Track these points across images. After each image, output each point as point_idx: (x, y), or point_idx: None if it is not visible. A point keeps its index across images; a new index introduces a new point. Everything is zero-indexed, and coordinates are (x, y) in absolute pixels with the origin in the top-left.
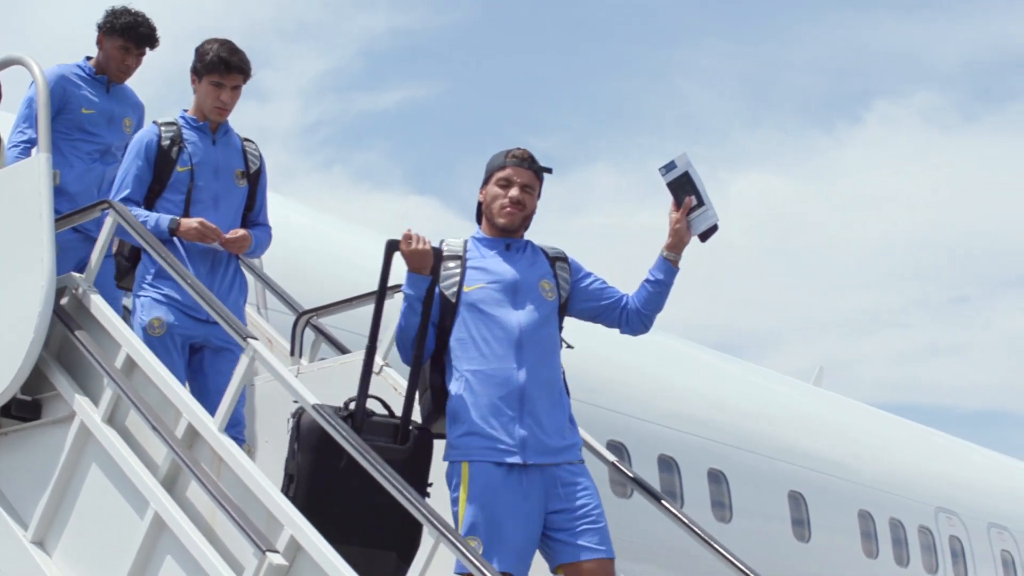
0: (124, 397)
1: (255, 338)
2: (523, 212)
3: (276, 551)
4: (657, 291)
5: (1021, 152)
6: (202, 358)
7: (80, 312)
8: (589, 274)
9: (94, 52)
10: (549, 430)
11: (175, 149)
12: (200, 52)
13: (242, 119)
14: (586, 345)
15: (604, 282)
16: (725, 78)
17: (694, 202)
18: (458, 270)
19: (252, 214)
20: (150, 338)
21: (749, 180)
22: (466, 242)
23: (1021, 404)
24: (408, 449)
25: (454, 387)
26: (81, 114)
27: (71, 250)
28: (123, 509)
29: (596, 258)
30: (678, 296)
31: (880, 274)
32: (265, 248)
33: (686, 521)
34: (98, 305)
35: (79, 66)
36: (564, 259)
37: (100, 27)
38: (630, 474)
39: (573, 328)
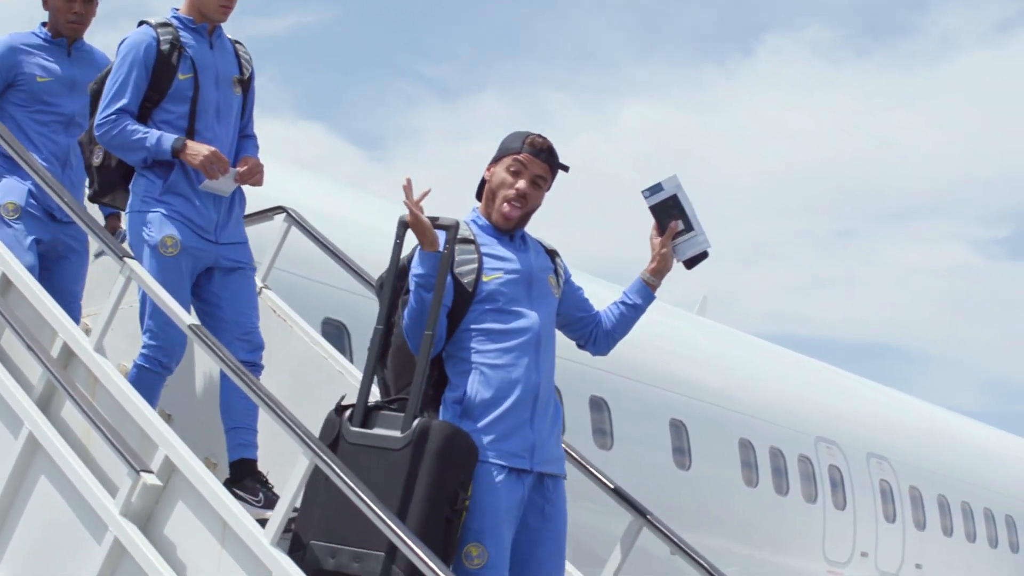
0: None
1: (132, 256)
2: (524, 209)
3: (150, 471)
4: (631, 315)
5: (910, 87)
6: (211, 280)
7: None
8: (571, 278)
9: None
10: (552, 437)
11: (175, 54)
12: None
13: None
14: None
15: (583, 290)
16: (617, 7)
17: (680, 227)
18: (475, 256)
19: (243, 123)
20: (161, 258)
21: (638, 111)
22: (468, 224)
23: (902, 337)
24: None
25: (465, 380)
26: (36, 83)
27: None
28: None
29: None
30: (565, 226)
31: (766, 207)
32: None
33: (566, 448)
34: None
35: (34, 33)
36: (558, 255)
37: None
38: None
39: None
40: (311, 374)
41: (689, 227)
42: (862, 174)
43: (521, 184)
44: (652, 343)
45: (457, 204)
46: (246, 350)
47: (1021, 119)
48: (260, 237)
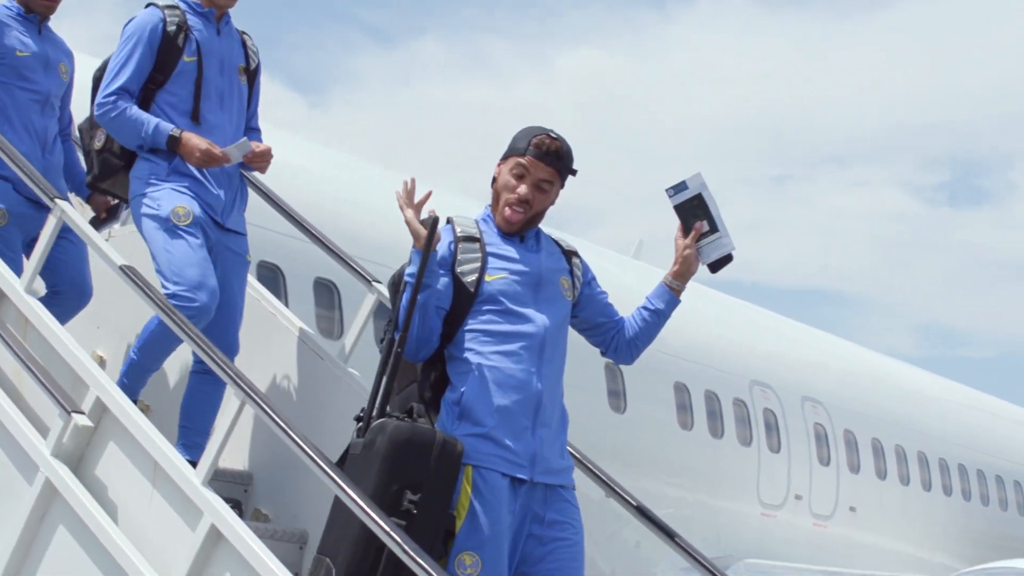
0: None
1: (65, 199)
2: (528, 213)
3: (82, 412)
4: (655, 321)
5: (848, 33)
6: (216, 263)
7: None
8: (596, 282)
9: None
10: (555, 447)
11: (181, 36)
12: None
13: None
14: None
15: (607, 295)
16: None
17: (705, 228)
18: (478, 255)
19: (248, 114)
20: (174, 228)
21: (577, 56)
22: (477, 222)
23: (839, 282)
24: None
25: (465, 381)
26: (16, 57)
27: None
28: None
29: (423, 132)
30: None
31: (703, 151)
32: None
33: None
34: None
35: (6, 6)
36: (578, 256)
37: None
38: None
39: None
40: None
41: (714, 228)
42: (799, 119)
43: (523, 189)
44: None
45: (399, 149)
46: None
47: (959, 65)
48: None
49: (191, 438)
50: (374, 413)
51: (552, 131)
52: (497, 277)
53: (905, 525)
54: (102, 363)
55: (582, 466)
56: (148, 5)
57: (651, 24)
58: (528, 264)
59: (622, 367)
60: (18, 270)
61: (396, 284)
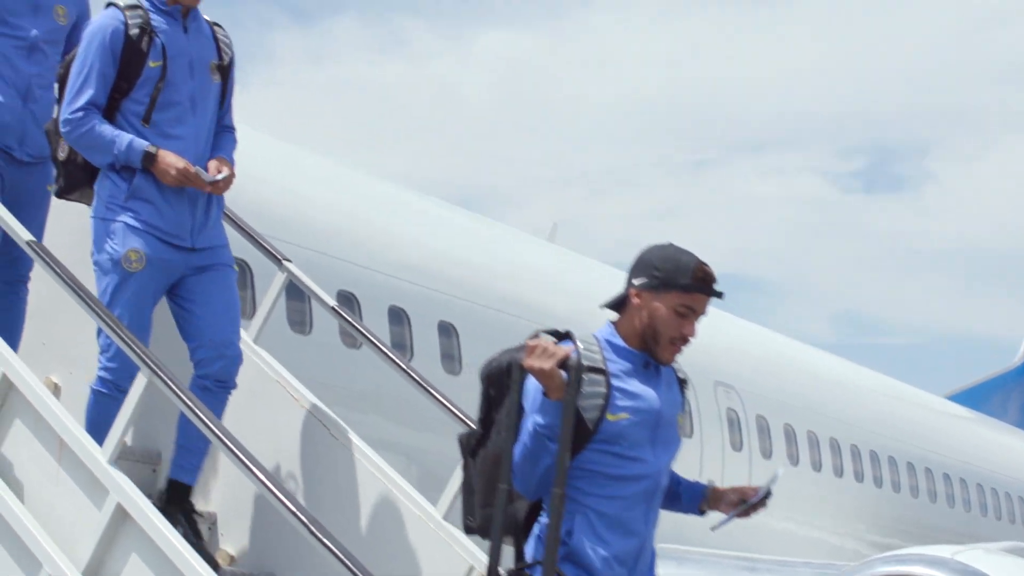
0: None
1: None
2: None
3: None
4: (667, 504)
5: (765, 17)
6: (183, 285)
7: None
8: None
9: None
10: None
11: (145, 39)
12: None
13: None
14: (313, 192)
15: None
16: None
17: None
18: (602, 390)
19: (221, 113)
20: (124, 274)
21: (493, 36)
22: (600, 344)
23: (756, 268)
24: None
25: (572, 522)
26: None
27: None
28: None
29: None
30: (416, 150)
31: (621, 135)
32: (232, 154)
33: (412, 373)
34: None
35: None
36: (688, 385)
37: None
38: (357, 325)
39: (295, 169)
40: None
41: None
42: (716, 104)
43: (690, 330)
44: (502, 269)
45: (315, 128)
46: (219, 366)
47: (877, 52)
48: None
49: (188, 459)
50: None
51: (693, 253)
52: (620, 417)
53: (817, 511)
54: (56, 392)
55: None
56: (108, 5)
57: (568, 4)
58: (651, 400)
59: None
60: None
61: (492, 377)
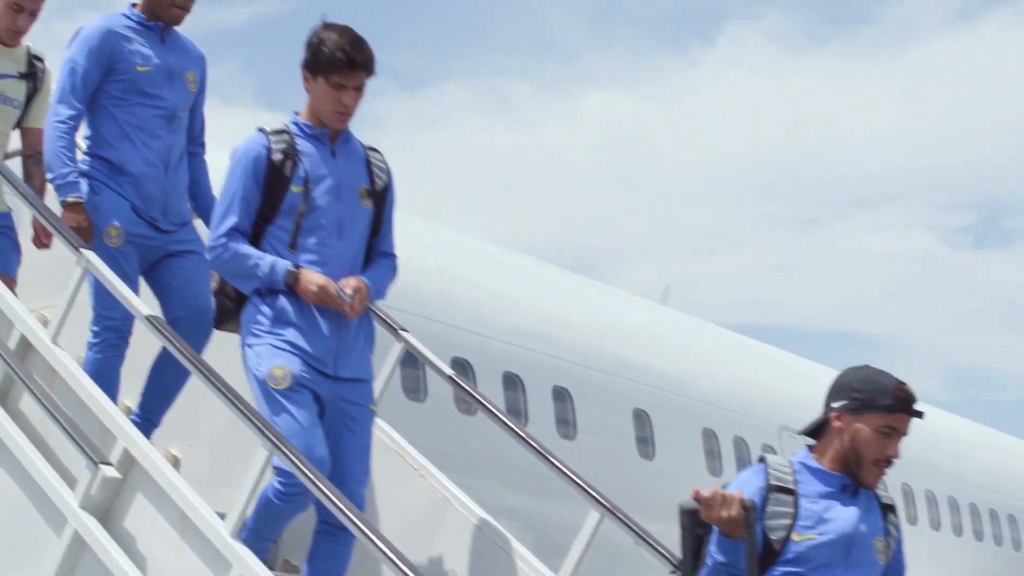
0: None
1: (89, 248)
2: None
3: (109, 463)
4: None
5: (869, 74)
6: (331, 419)
7: None
8: (903, 544)
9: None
10: None
11: (288, 164)
12: (314, 46)
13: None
14: (425, 258)
15: (903, 558)
16: None
17: None
18: (790, 510)
19: (376, 240)
20: (272, 393)
21: (598, 99)
22: (793, 466)
23: (865, 324)
24: None
25: None
26: (137, 72)
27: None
28: None
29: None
30: (525, 213)
31: (727, 195)
32: (390, 285)
33: (528, 439)
34: None
35: (125, 15)
36: (895, 511)
37: None
38: (473, 392)
39: (407, 237)
40: None
41: None
42: (824, 162)
43: (894, 450)
44: (615, 332)
45: (423, 194)
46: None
47: (983, 106)
48: None
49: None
50: None
51: (890, 374)
52: (807, 537)
53: (935, 571)
54: (128, 413)
55: (612, 515)
56: (258, 131)
57: (673, 67)
58: (844, 523)
59: (651, 415)
60: (132, 291)
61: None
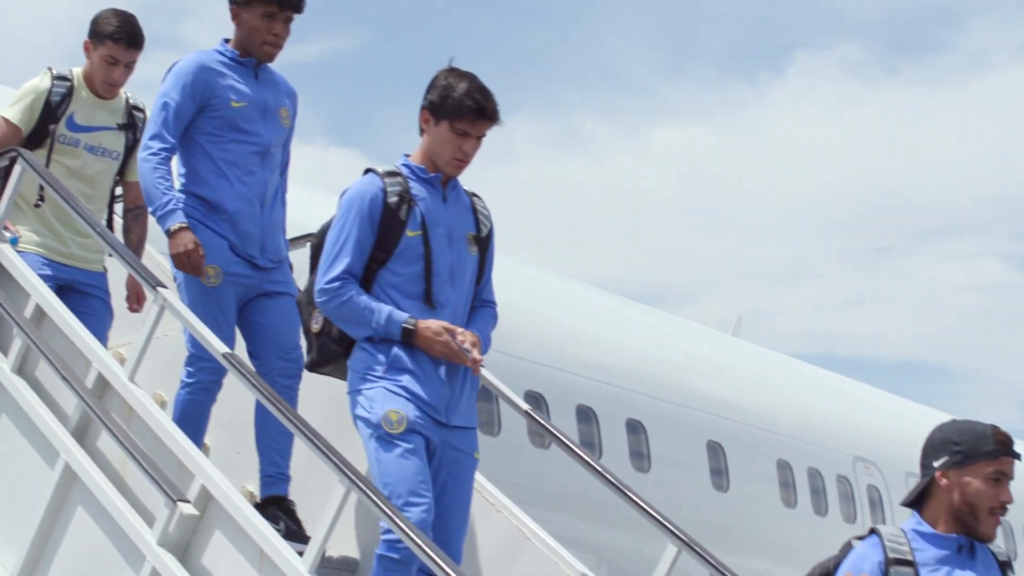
0: (33, 347)
1: (164, 287)
2: None
3: (187, 501)
4: None
5: (940, 104)
6: (439, 465)
7: None
8: None
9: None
10: None
11: (404, 208)
12: (442, 89)
13: (160, 70)
14: (503, 294)
15: None
16: (647, 28)
17: None
18: None
19: (479, 287)
20: (387, 437)
21: (670, 131)
22: (907, 536)
23: (939, 354)
24: None
25: None
26: (231, 108)
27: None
28: (33, 460)
29: (519, 209)
30: (597, 247)
31: (800, 226)
32: (490, 333)
33: (603, 472)
34: (6, 255)
35: (218, 51)
36: (1012, 567)
37: None
38: (548, 425)
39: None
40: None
41: None
42: (896, 191)
43: (1007, 495)
44: (688, 364)
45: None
46: None
47: None
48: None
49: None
50: None
51: (981, 421)
52: None
53: None
54: (205, 450)
55: (690, 548)
56: (367, 171)
57: (743, 98)
58: None
59: (725, 447)
60: (228, 333)
61: None
